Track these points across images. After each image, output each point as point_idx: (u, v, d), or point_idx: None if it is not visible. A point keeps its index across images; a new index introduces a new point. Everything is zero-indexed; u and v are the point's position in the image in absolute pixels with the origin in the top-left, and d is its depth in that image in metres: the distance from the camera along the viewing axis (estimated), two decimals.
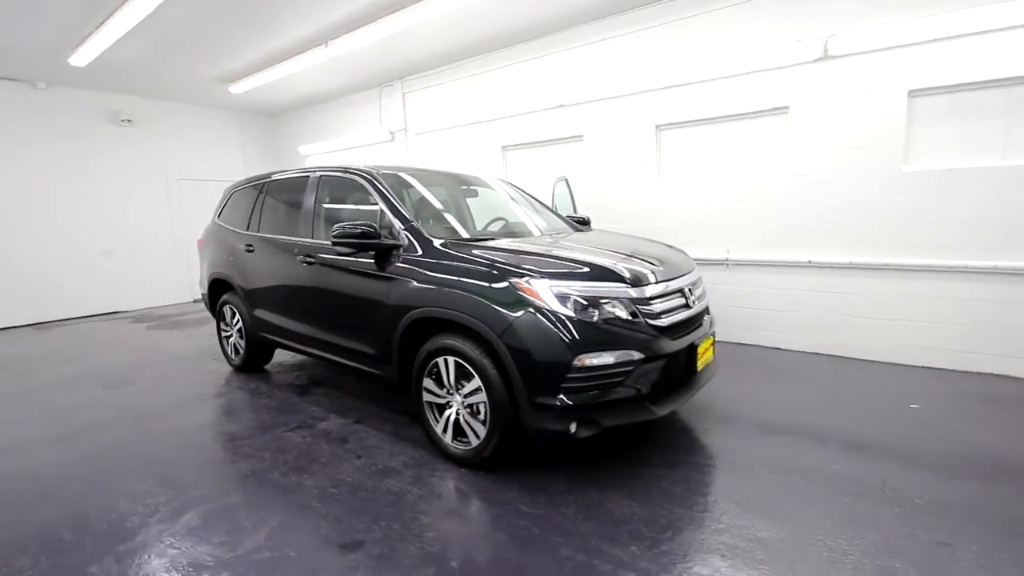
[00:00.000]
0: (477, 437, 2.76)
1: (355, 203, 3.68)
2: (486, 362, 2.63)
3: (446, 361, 2.83)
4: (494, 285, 2.62)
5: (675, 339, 2.69)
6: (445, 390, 2.89)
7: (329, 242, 3.62)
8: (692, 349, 2.80)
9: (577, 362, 2.42)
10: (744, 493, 2.54)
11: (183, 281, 8.94)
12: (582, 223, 4.27)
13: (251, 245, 4.34)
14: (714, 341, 3.20)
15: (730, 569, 2.01)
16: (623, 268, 2.69)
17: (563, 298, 2.50)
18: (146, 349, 5.86)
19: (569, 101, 5.92)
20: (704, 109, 5.09)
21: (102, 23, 5.32)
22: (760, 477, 2.69)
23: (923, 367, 4.28)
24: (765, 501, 2.47)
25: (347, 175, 3.70)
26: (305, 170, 4.12)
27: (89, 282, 7.96)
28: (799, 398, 3.76)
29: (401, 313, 3.01)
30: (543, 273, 2.57)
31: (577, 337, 2.44)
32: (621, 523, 2.33)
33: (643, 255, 3.01)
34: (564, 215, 4.39)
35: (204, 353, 5.54)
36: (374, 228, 3.11)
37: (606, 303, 2.54)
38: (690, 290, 2.99)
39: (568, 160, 6.14)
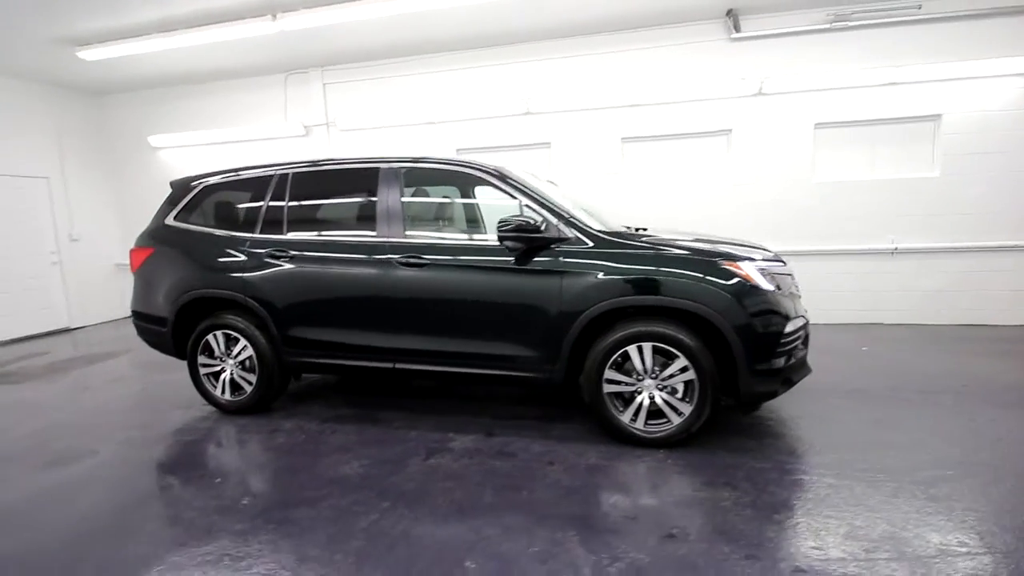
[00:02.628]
0: (679, 416, 2.91)
1: (463, 197, 3.38)
2: (693, 341, 2.83)
3: (639, 348, 2.91)
4: (707, 269, 2.84)
5: None
6: (635, 377, 2.95)
7: (446, 241, 3.31)
8: None
9: (785, 329, 2.83)
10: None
11: None
12: None
13: (282, 250, 3.49)
14: None
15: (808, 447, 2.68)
16: (773, 251, 3.20)
17: (765, 275, 2.88)
18: (35, 418, 4.04)
19: (536, 109, 6.20)
20: (664, 126, 5.99)
21: None
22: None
23: (837, 324, 5.84)
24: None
25: (456, 167, 3.39)
26: (366, 160, 3.54)
27: None
28: None
29: (582, 308, 2.94)
30: (744, 256, 2.91)
31: (782, 308, 2.85)
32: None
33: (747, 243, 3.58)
34: None
35: (146, 404, 4.16)
36: (535, 223, 2.97)
37: (781, 278, 3.01)
38: None
39: (535, 165, 6.39)
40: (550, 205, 3.13)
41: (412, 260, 3.22)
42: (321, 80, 6.85)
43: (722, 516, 2.32)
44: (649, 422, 2.97)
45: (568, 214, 3.10)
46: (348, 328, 3.41)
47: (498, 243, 3.09)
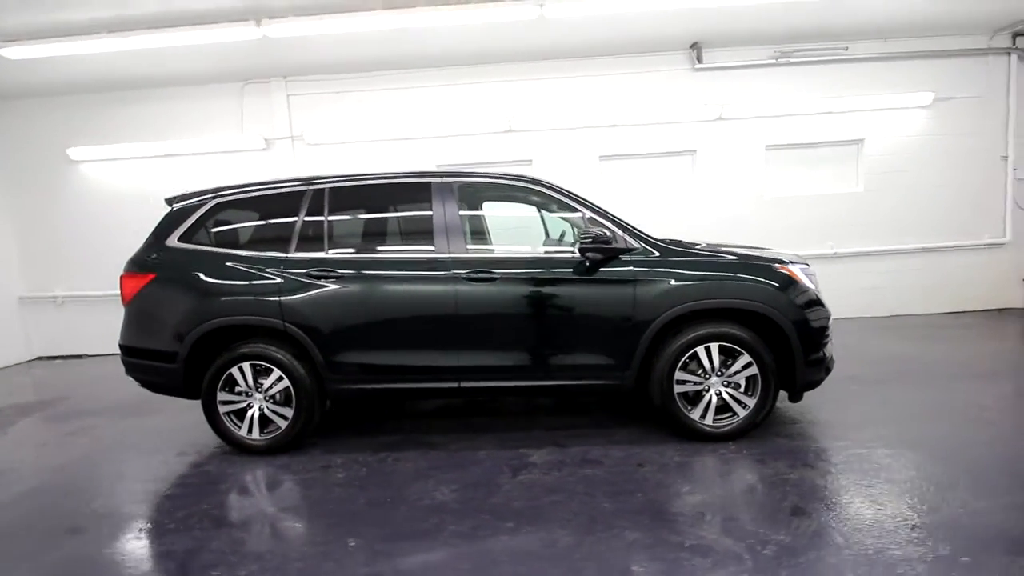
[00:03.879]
0: (744, 409, 3.16)
1: (519, 211, 3.40)
2: (755, 339, 3.10)
3: (707, 348, 3.12)
4: (765, 272, 3.14)
5: None
6: (702, 376, 3.16)
7: (514, 254, 3.32)
8: None
9: (828, 323, 3.21)
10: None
11: None
12: None
13: (326, 269, 3.25)
14: None
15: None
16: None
17: (808, 276, 3.24)
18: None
19: (519, 127, 6.36)
20: (638, 146, 6.43)
21: None
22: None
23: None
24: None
25: (512, 182, 3.42)
26: (414, 174, 3.44)
27: None
28: None
29: (655, 314, 3.10)
30: (790, 260, 3.25)
31: (824, 304, 3.22)
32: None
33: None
34: None
35: (140, 454, 3.62)
36: (609, 235, 3.10)
37: (813, 278, 3.41)
38: None
39: None
40: (613, 217, 3.28)
41: (481, 275, 3.18)
42: (285, 91, 6.42)
43: (825, 490, 2.58)
44: (716, 417, 3.19)
45: (632, 226, 3.27)
46: (408, 349, 3.26)
47: (568, 255, 3.18)
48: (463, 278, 3.18)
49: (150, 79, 6.24)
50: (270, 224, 3.50)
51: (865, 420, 3.43)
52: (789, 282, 3.15)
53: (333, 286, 3.24)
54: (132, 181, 6.63)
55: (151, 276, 3.38)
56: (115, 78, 6.13)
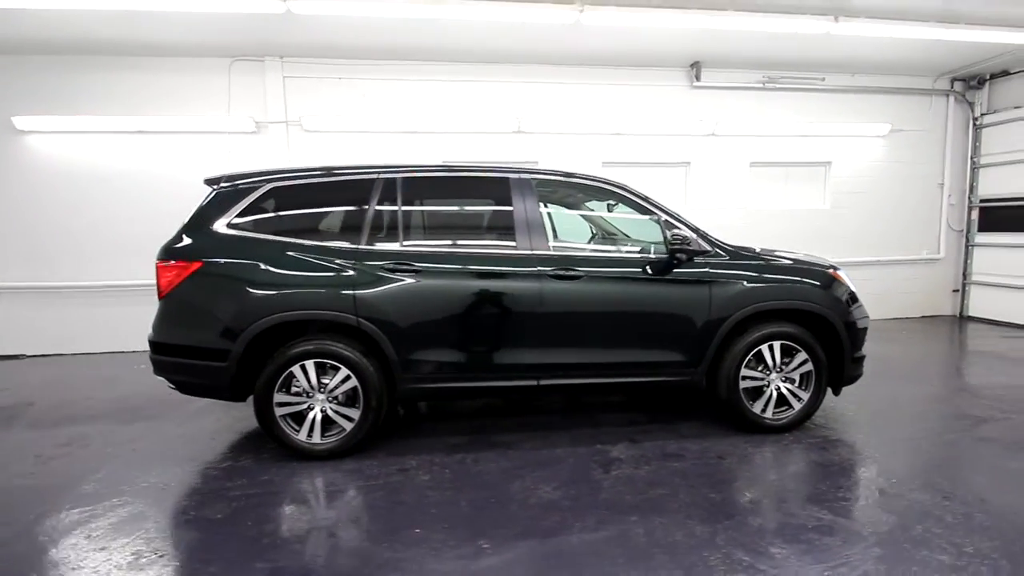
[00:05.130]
0: (800, 402, 3.42)
1: (595, 211, 3.45)
2: (811, 337, 3.37)
3: (771, 347, 3.35)
4: (820, 276, 3.42)
5: None
6: (764, 373, 3.38)
7: (600, 253, 3.38)
8: None
9: (868, 324, 3.55)
10: None
11: None
12: None
13: (404, 263, 3.10)
14: None
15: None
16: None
17: (851, 280, 3.57)
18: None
19: (528, 129, 6.39)
20: (638, 154, 6.69)
21: None
22: None
23: None
24: None
25: (590, 182, 3.50)
26: (490, 169, 3.38)
27: None
28: None
29: (727, 313, 3.27)
30: (838, 266, 3.56)
31: (863, 306, 3.56)
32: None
33: None
34: None
35: (172, 462, 3.22)
36: (691, 237, 3.24)
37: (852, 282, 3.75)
38: None
39: None
40: (687, 222, 3.42)
41: (566, 273, 3.18)
42: (281, 72, 5.99)
43: (894, 471, 2.86)
44: (775, 410, 3.42)
45: (703, 231, 3.42)
46: (488, 346, 3.19)
47: (647, 255, 3.27)
48: (549, 275, 3.17)
49: (121, 45, 5.55)
50: (337, 212, 3.28)
51: (891, 412, 3.83)
52: (839, 285, 3.46)
53: (410, 280, 3.10)
54: (92, 158, 5.85)
55: (197, 265, 3.04)
56: (78, 40, 5.39)
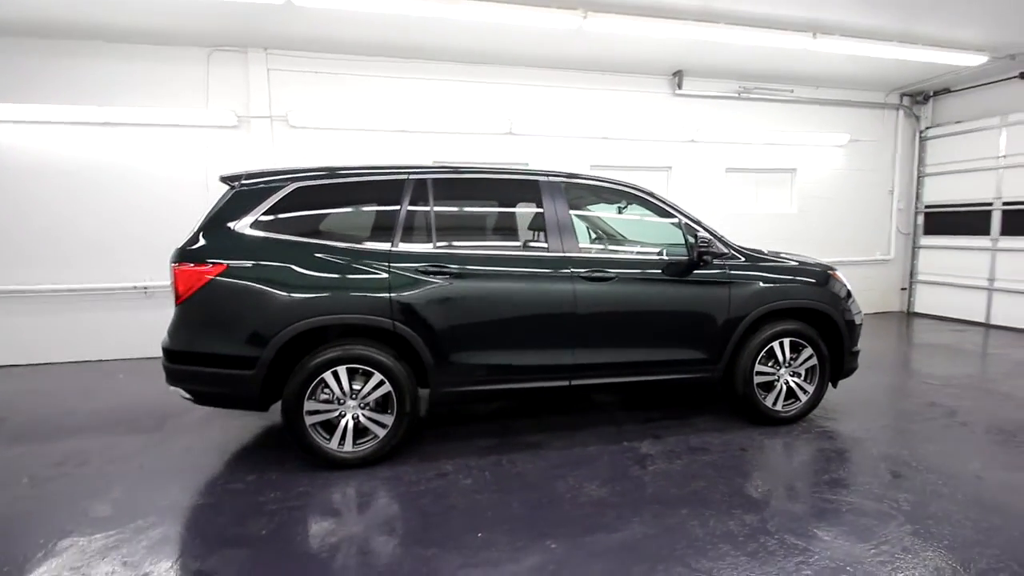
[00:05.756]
0: (806, 395, 3.65)
1: (618, 214, 3.54)
2: (816, 334, 3.61)
3: (781, 344, 3.56)
4: (823, 277, 3.66)
5: None
6: (774, 368, 3.59)
7: (627, 255, 3.48)
8: None
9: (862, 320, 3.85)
10: None
11: None
12: None
13: (439, 265, 3.06)
14: None
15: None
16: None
17: (847, 280, 3.85)
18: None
19: (519, 131, 6.43)
20: (624, 158, 6.88)
21: None
22: None
23: None
24: None
25: (617, 187, 3.60)
26: (520, 171, 3.43)
27: None
28: None
29: (744, 312, 3.45)
30: (835, 267, 3.82)
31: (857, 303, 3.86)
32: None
33: None
34: None
35: (196, 478, 3.03)
36: (713, 240, 3.40)
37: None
38: None
39: None
40: (706, 226, 3.58)
41: (598, 274, 3.25)
42: (265, 65, 5.72)
43: (898, 455, 3.12)
44: (784, 403, 3.64)
45: (720, 234, 3.59)
46: (524, 348, 3.21)
47: (677, 257, 3.42)
48: (581, 277, 3.23)
49: (87, 29, 5.13)
50: (366, 213, 3.20)
51: (863, 402, 4.15)
52: (838, 284, 3.73)
53: (444, 282, 3.07)
54: (51, 151, 5.36)
55: (221, 267, 2.88)
56: (39, 22, 4.94)
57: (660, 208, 3.57)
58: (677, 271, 3.41)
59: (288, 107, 5.81)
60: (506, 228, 3.55)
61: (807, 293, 3.61)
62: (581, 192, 3.58)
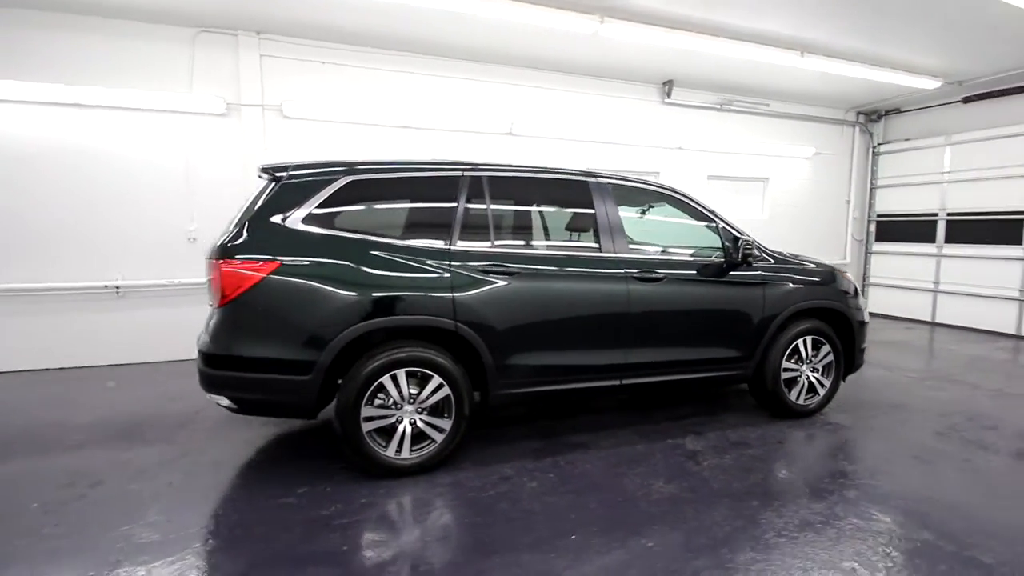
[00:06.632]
0: (824, 388, 3.90)
1: (661, 216, 3.61)
2: (832, 332, 3.87)
3: (805, 341, 3.78)
4: (838, 279, 3.92)
5: None
6: (797, 365, 3.80)
7: (673, 256, 3.57)
8: None
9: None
10: None
11: None
12: None
13: (499, 264, 3.00)
14: None
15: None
16: None
17: (855, 280, 4.15)
18: None
19: (519, 132, 6.42)
20: (616, 162, 7.01)
21: None
22: None
23: None
24: None
25: (659, 189, 3.71)
26: (570, 172, 3.42)
27: None
28: None
29: (776, 312, 3.64)
30: (844, 269, 4.11)
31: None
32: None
33: None
34: None
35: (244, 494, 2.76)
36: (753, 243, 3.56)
37: None
38: None
39: None
40: (741, 229, 3.73)
41: (649, 275, 3.31)
42: (258, 50, 5.35)
43: (908, 440, 3.39)
44: (805, 397, 3.87)
45: (752, 238, 3.76)
46: (580, 348, 3.21)
47: (721, 258, 3.56)
48: (634, 277, 3.28)
49: (59, 1, 4.59)
50: (422, 210, 3.07)
51: (860, 396, 4.49)
52: (850, 285, 4.01)
53: (503, 282, 3.02)
54: (7, 132, 4.75)
55: (275, 265, 2.67)
56: None
57: (697, 211, 3.69)
58: (717, 272, 3.54)
59: (283, 96, 5.47)
60: (559, 228, 3.53)
61: (827, 294, 3.85)
62: (625, 193, 3.63)
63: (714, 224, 3.67)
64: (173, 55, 5.16)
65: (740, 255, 3.47)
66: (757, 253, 3.64)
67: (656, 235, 4.13)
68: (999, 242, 6.93)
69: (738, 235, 3.60)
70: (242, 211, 2.88)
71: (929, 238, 7.80)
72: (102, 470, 2.97)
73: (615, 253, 3.30)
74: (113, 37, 4.95)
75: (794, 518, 2.54)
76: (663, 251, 3.63)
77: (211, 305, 2.81)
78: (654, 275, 3.34)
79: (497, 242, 3.11)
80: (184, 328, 5.26)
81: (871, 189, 8.67)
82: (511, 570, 2.15)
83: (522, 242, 3.24)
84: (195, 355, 2.81)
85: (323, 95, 5.65)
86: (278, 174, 2.87)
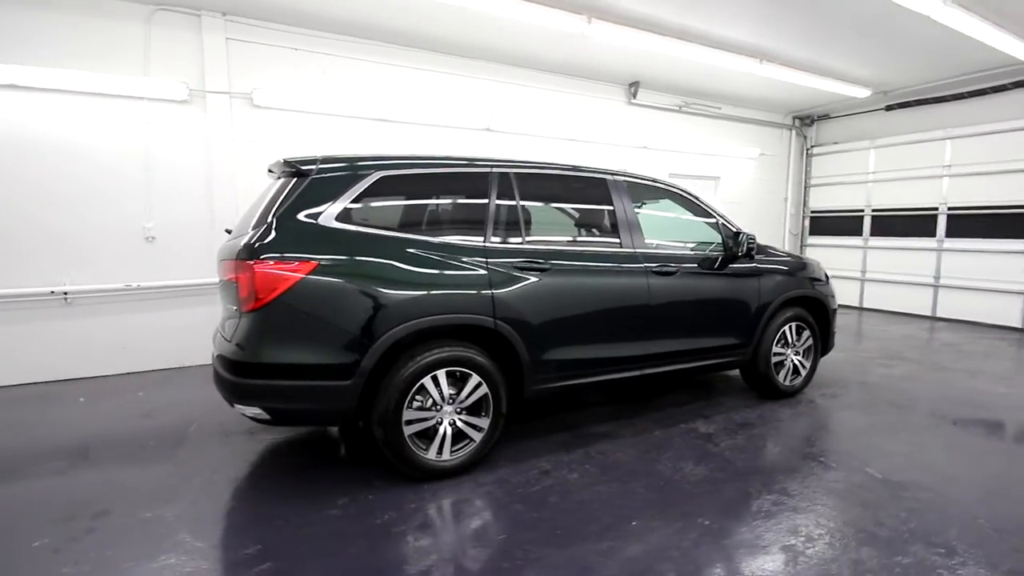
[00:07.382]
0: (805, 370, 4.26)
1: (667, 212, 3.77)
2: (812, 318, 4.25)
3: (791, 327, 4.12)
4: (818, 270, 4.30)
5: None
6: (783, 349, 4.13)
7: (682, 250, 3.77)
8: None
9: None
10: None
11: None
12: None
13: (533, 261, 3.01)
14: None
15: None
16: None
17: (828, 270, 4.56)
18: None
19: (497, 128, 6.40)
20: (587, 160, 7.12)
21: None
22: None
23: None
24: None
25: (666, 187, 3.90)
26: (588, 169, 3.50)
27: None
28: None
29: (771, 299, 3.94)
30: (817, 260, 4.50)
31: None
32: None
33: None
34: None
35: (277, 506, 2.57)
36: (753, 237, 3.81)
37: None
38: None
39: None
40: (735, 224, 3.97)
41: (665, 268, 3.46)
42: (224, 33, 4.94)
43: (894, 415, 3.81)
44: (790, 379, 4.21)
45: (744, 231, 4.02)
46: (607, 341, 3.30)
47: (726, 252, 3.79)
48: (653, 271, 3.42)
49: None
50: (455, 206, 3.01)
51: (832, 375, 4.96)
52: (826, 276, 4.41)
53: (535, 278, 3.04)
54: None
55: (312, 265, 2.52)
56: None
57: (699, 207, 3.90)
58: (720, 264, 3.77)
59: (252, 84, 5.10)
60: (582, 224, 3.59)
61: (807, 283, 4.22)
62: (638, 190, 3.76)
63: (714, 220, 3.90)
64: (124, 33, 4.63)
65: (744, 249, 3.71)
66: (756, 247, 3.92)
67: (663, 230, 4.33)
68: (917, 235, 7.87)
69: (738, 230, 3.85)
70: (263, 208, 2.69)
71: (857, 232, 8.70)
72: (102, 498, 2.66)
73: (634, 248, 3.42)
74: (51, 11, 4.37)
75: (819, 487, 2.78)
76: (672, 246, 3.81)
77: (234, 309, 2.61)
78: (669, 268, 3.50)
79: (528, 238, 3.12)
80: (147, 336, 4.80)
81: (805, 187, 9.52)
82: (595, 559, 2.19)
83: (551, 238, 3.27)
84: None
85: (296, 84, 5.32)
86: (304, 168, 2.70)
